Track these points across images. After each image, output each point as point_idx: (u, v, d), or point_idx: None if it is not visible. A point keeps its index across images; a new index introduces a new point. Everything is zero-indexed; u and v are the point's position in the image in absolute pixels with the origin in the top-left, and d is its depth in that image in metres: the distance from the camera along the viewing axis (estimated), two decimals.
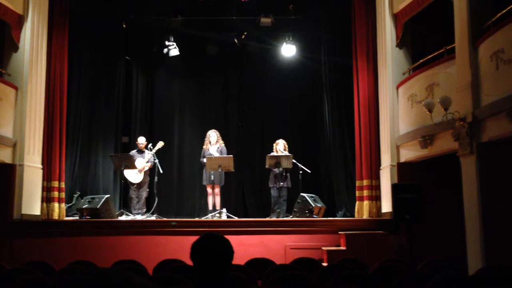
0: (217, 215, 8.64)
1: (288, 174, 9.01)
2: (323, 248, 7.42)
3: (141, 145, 9.32)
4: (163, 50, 10.34)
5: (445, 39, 6.98)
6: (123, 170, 8.93)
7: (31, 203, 7.95)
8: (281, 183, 8.85)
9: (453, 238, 6.87)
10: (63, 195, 8.54)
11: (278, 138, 9.25)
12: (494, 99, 5.69)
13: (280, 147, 9.07)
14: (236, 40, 10.48)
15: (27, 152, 7.94)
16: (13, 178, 7.74)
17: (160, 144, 9.18)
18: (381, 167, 8.43)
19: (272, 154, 8.99)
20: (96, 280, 0.92)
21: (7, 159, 7.75)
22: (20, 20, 8.15)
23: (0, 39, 8.15)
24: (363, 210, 8.48)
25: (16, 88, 7.97)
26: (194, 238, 2.39)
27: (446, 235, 7.21)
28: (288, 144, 9.26)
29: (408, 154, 7.82)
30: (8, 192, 7.65)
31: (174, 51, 10.26)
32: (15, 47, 8.10)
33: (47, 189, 8.30)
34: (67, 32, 8.82)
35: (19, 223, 7.66)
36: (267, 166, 8.86)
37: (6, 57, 8.15)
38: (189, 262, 2.38)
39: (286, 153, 8.99)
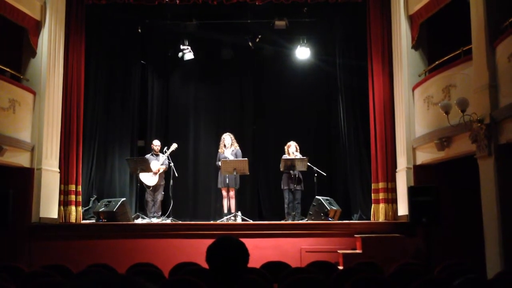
0: (232, 218, 8.65)
1: (301, 177, 8.98)
2: (338, 251, 7.38)
3: (155, 148, 9.39)
4: (178, 54, 10.41)
5: (462, 40, 6.89)
6: (138, 174, 9.00)
7: (49, 207, 8.05)
8: (295, 186, 8.83)
9: (471, 241, 6.78)
10: (80, 198, 8.63)
11: (293, 141, 9.23)
12: None
13: (292, 149, 9.05)
14: (250, 43, 10.50)
15: (45, 156, 8.04)
16: (31, 182, 7.86)
17: (174, 146, 9.23)
18: (397, 170, 8.36)
19: (286, 156, 8.97)
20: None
21: (25, 163, 7.86)
22: (37, 26, 8.28)
23: (18, 44, 8.28)
24: (379, 213, 8.41)
25: (34, 93, 8.08)
26: (209, 241, 2.40)
27: (464, 238, 7.11)
28: (302, 147, 9.23)
29: (424, 156, 7.73)
30: (26, 196, 7.75)
31: (189, 55, 10.30)
32: (33, 52, 8.22)
33: (64, 193, 8.40)
34: (83, 37, 8.94)
35: (37, 227, 7.77)
36: (282, 169, 8.85)
37: (24, 62, 8.27)
38: (205, 265, 2.39)
39: (299, 154, 8.96)
